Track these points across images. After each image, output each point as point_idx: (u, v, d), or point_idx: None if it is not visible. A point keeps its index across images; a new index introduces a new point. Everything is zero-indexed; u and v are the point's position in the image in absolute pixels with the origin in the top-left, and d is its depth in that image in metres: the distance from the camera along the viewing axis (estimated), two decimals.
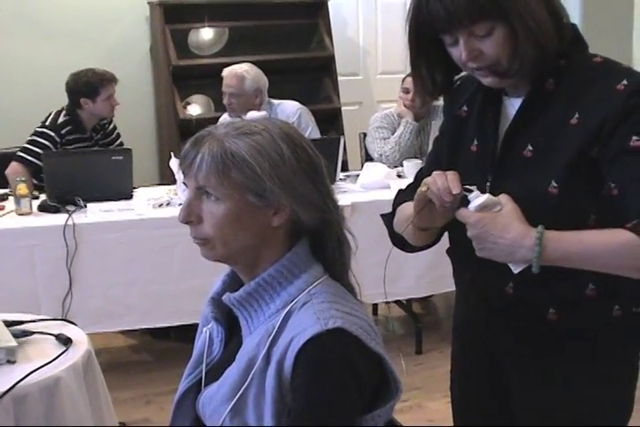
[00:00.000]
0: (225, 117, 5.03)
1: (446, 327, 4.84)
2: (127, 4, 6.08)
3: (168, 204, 4.16)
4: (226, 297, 1.68)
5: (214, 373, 1.72)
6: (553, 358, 1.87)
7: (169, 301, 4.07)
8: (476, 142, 1.91)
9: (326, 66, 6.42)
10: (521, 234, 1.64)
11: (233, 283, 1.76)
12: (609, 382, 1.87)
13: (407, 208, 1.93)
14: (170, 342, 4.64)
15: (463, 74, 1.93)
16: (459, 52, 1.76)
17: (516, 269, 1.70)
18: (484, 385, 2.02)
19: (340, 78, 6.50)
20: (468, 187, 1.72)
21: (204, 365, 1.76)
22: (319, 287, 1.64)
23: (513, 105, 1.86)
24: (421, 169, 2.09)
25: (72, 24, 5.92)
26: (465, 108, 1.97)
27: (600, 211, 1.75)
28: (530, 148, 1.80)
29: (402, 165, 4.82)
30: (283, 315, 1.61)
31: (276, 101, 5.06)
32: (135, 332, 4.64)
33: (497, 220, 1.66)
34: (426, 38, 1.81)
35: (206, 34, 6.17)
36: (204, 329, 1.82)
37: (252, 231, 1.62)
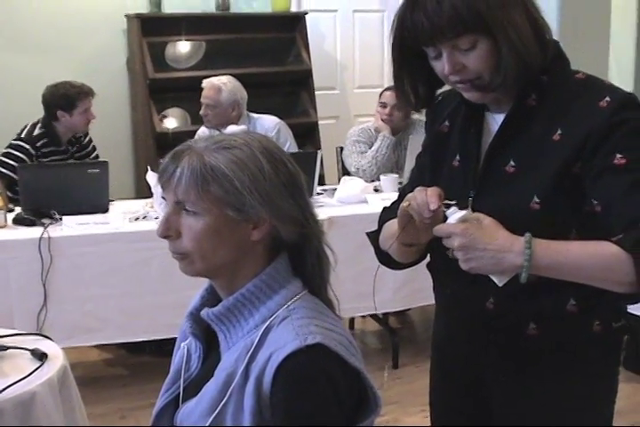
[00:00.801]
0: (203, 130, 5.03)
1: (423, 342, 4.85)
2: (104, 16, 6.06)
3: (144, 217, 4.15)
4: (204, 312, 1.67)
5: (192, 388, 1.70)
6: (533, 372, 1.88)
7: (145, 315, 4.05)
8: (458, 158, 1.91)
9: (303, 80, 6.43)
10: (509, 240, 1.64)
11: (211, 298, 1.75)
12: (589, 398, 1.87)
13: (392, 225, 1.92)
14: (145, 357, 4.61)
15: (445, 89, 1.93)
16: (442, 66, 1.76)
17: (500, 282, 1.69)
18: (466, 399, 2.02)
19: (317, 92, 6.50)
20: (448, 202, 1.72)
21: (181, 380, 1.75)
22: (298, 303, 1.63)
23: (495, 120, 1.86)
24: (405, 186, 2.09)
25: (49, 36, 5.89)
26: (446, 123, 1.97)
27: (582, 226, 1.76)
28: (512, 163, 1.80)
29: (379, 180, 4.83)
30: (261, 330, 1.60)
31: (255, 115, 5.07)
32: (110, 346, 4.60)
33: (483, 228, 1.66)
34: (409, 51, 1.81)
35: (183, 47, 6.17)
36: (182, 344, 1.80)
37: (231, 246, 1.61)
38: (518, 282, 1.65)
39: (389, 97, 5.06)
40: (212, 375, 1.64)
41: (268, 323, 1.60)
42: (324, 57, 6.85)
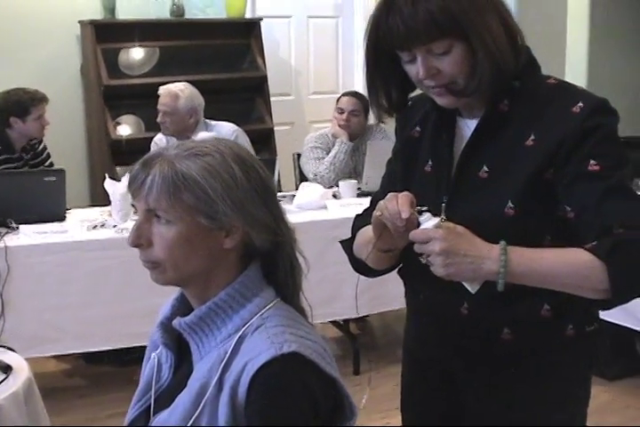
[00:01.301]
0: (160, 137, 4.99)
1: (383, 348, 4.86)
2: (58, 22, 5.98)
3: (102, 225, 4.09)
4: (176, 322, 1.64)
5: (164, 400, 1.67)
6: (506, 376, 1.87)
7: (103, 324, 3.99)
8: (430, 163, 1.90)
9: (259, 86, 6.41)
10: (486, 246, 1.64)
11: (182, 307, 1.72)
12: (563, 401, 1.88)
13: (366, 232, 1.91)
14: (104, 367, 4.56)
15: (415, 94, 1.92)
16: (416, 70, 1.75)
17: (473, 289, 1.69)
18: (439, 402, 2.01)
19: (272, 98, 6.48)
20: (420, 209, 1.71)
21: (152, 391, 1.72)
22: (272, 311, 1.61)
23: (467, 126, 1.85)
24: (377, 192, 2.07)
25: (1, 41, 5.81)
26: (417, 128, 1.96)
27: (555, 232, 1.76)
28: (485, 169, 1.80)
29: (337, 186, 4.82)
30: (235, 339, 1.58)
31: (212, 122, 5.03)
32: (68, 356, 4.52)
33: (462, 234, 1.65)
34: (383, 54, 1.80)
35: (137, 53, 6.11)
36: (153, 355, 1.77)
37: (204, 254, 1.59)
38: (492, 288, 1.64)
39: (347, 103, 5.06)
40: (185, 386, 1.61)
41: (241, 332, 1.59)
42: (279, 63, 6.84)
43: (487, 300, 1.72)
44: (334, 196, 4.75)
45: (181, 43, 6.19)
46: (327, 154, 5.07)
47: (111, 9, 5.92)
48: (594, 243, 1.63)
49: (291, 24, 6.99)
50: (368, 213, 1.92)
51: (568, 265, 1.64)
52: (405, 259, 1.95)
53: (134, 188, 1.59)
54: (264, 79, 6.38)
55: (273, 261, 1.66)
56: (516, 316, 1.81)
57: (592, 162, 1.68)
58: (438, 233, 1.64)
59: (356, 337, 4.82)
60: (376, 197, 1.99)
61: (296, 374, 1.51)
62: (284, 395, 1.50)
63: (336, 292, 4.19)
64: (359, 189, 4.72)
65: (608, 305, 1.69)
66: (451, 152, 1.86)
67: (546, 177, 1.73)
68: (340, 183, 4.75)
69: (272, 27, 6.74)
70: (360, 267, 2.00)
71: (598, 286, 1.62)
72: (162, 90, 4.89)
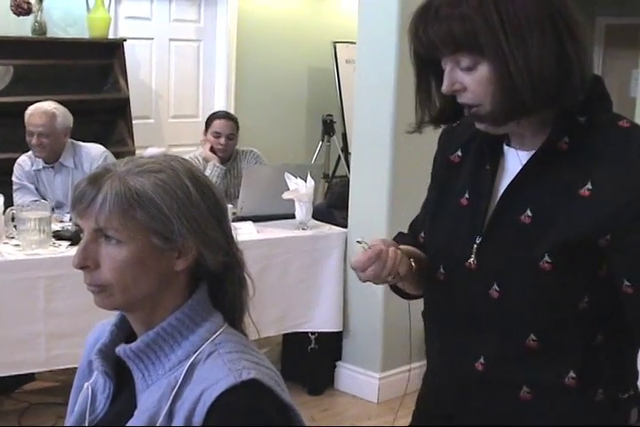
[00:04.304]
0: (24, 159, 4.76)
1: None
2: None
3: None
4: (120, 349, 1.53)
5: None
6: None
7: None
8: (467, 195, 1.71)
9: (121, 108, 6.27)
10: None
11: (121, 333, 1.62)
12: None
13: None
14: None
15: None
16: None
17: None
18: None
19: (133, 121, 6.34)
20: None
21: (86, 424, 1.61)
22: (223, 336, 1.54)
23: (515, 158, 1.66)
24: (417, 217, 1.93)
25: None
26: (459, 153, 1.77)
27: (594, 293, 1.60)
28: (529, 213, 1.60)
29: None
30: (186, 367, 1.49)
31: (80, 143, 4.83)
32: None
33: None
34: (425, 62, 1.66)
35: None
36: (86, 384, 1.66)
37: (155, 276, 1.50)
38: (509, 347, 1.57)
39: (224, 126, 5.00)
40: (125, 417, 1.51)
41: (192, 358, 1.50)
42: (140, 85, 6.73)
43: (505, 357, 1.59)
44: None
45: (41, 62, 5.97)
46: None
47: None
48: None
49: (152, 46, 6.88)
50: (406, 238, 1.84)
51: None
52: (427, 300, 1.83)
53: (82, 206, 1.48)
54: (126, 101, 6.24)
55: (221, 283, 1.59)
56: (536, 379, 1.64)
57: None
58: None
59: None
60: (416, 223, 1.90)
61: (256, 402, 1.45)
62: (244, 423, 1.42)
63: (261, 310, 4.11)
64: (234, 213, 4.65)
65: None
66: (492, 186, 1.67)
67: (599, 244, 1.54)
68: None
69: (134, 49, 6.62)
70: (396, 290, 1.88)
71: None
72: (32, 110, 4.61)
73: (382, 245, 1.69)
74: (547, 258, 1.56)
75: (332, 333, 4.48)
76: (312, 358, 4.64)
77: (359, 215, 4.56)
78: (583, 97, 1.57)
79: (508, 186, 1.64)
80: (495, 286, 1.63)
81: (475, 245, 1.66)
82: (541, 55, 1.51)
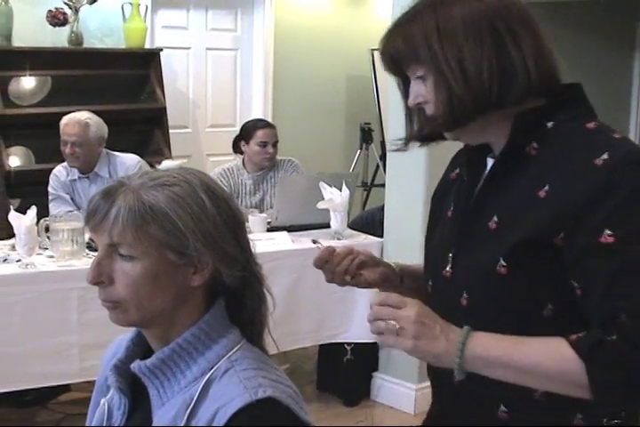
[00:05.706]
0: (59, 169, 4.79)
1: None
2: None
3: (5, 260, 3.87)
4: (135, 366, 1.51)
5: None
6: None
7: (6, 364, 3.74)
8: (451, 208, 1.73)
9: (157, 118, 6.25)
10: (445, 324, 1.53)
11: (137, 349, 1.59)
12: None
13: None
14: (3, 409, 4.31)
15: None
16: None
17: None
18: None
19: (170, 131, 6.34)
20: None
21: None
22: (240, 353, 1.50)
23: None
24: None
25: None
26: (458, 170, 1.79)
27: (558, 301, 1.55)
28: (495, 219, 1.59)
29: (247, 220, 4.71)
30: (202, 384, 1.46)
31: (115, 154, 4.84)
32: None
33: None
34: (402, 77, 1.71)
35: (27, 82, 5.88)
36: (102, 400, 1.64)
37: (171, 292, 1.47)
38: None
39: (268, 135, 4.97)
40: None
41: (208, 375, 1.47)
42: (177, 95, 6.72)
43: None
44: None
45: (77, 72, 5.98)
46: (231, 189, 4.95)
47: (7, 36, 5.69)
48: (580, 335, 1.44)
49: (189, 55, 6.89)
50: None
51: (546, 359, 1.45)
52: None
53: (96, 221, 1.46)
54: (163, 111, 6.23)
55: (239, 298, 1.56)
56: (511, 394, 1.58)
57: (607, 232, 1.44)
58: (414, 299, 1.51)
59: None
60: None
61: (272, 421, 1.41)
62: None
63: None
64: (269, 223, 4.62)
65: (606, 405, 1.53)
66: (470, 197, 1.67)
67: (555, 242, 1.50)
68: (250, 218, 4.61)
69: (170, 58, 6.61)
70: None
71: (577, 387, 1.44)
72: (67, 120, 4.65)
73: (337, 247, 1.85)
74: (502, 262, 1.55)
75: (369, 343, 4.42)
76: (348, 369, 4.61)
77: (395, 224, 4.52)
78: (545, 101, 1.58)
79: (477, 193, 1.66)
80: (465, 294, 1.63)
81: (450, 255, 1.67)
82: (479, 60, 1.53)
